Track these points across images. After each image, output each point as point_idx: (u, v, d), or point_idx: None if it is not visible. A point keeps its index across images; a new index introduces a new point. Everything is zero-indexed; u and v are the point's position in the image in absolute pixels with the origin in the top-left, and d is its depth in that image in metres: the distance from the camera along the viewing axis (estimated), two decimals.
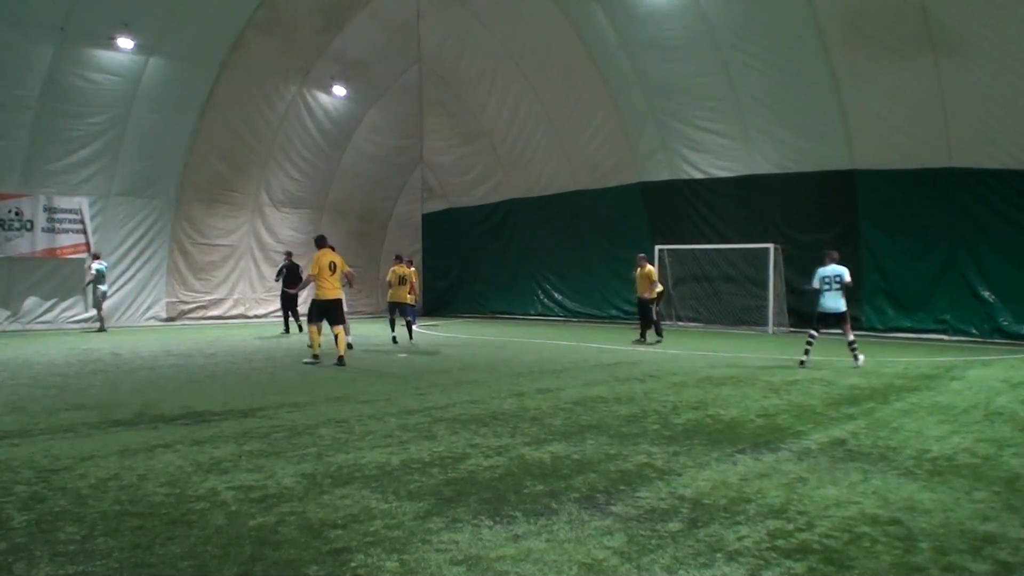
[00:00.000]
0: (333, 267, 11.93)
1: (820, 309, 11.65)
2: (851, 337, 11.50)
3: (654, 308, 16.05)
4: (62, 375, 10.38)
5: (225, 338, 16.98)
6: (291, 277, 18.58)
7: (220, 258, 22.90)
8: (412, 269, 21.56)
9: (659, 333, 15.98)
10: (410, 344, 15.25)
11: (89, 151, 19.52)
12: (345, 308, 12.75)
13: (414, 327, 16.04)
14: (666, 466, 5.43)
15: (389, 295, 15.69)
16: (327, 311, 12.05)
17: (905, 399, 8.63)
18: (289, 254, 19.50)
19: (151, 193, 20.99)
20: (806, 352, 11.55)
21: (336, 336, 11.89)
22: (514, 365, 11.99)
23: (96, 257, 19.12)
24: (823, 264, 11.65)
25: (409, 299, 18.64)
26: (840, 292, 11.34)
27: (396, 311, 15.70)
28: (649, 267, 16.31)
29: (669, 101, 20.45)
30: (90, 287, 19.08)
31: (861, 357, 11.47)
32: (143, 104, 19.81)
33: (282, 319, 19.18)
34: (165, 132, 20.53)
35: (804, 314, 18.88)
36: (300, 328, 17.44)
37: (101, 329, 18.62)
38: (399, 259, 16.19)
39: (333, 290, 11.92)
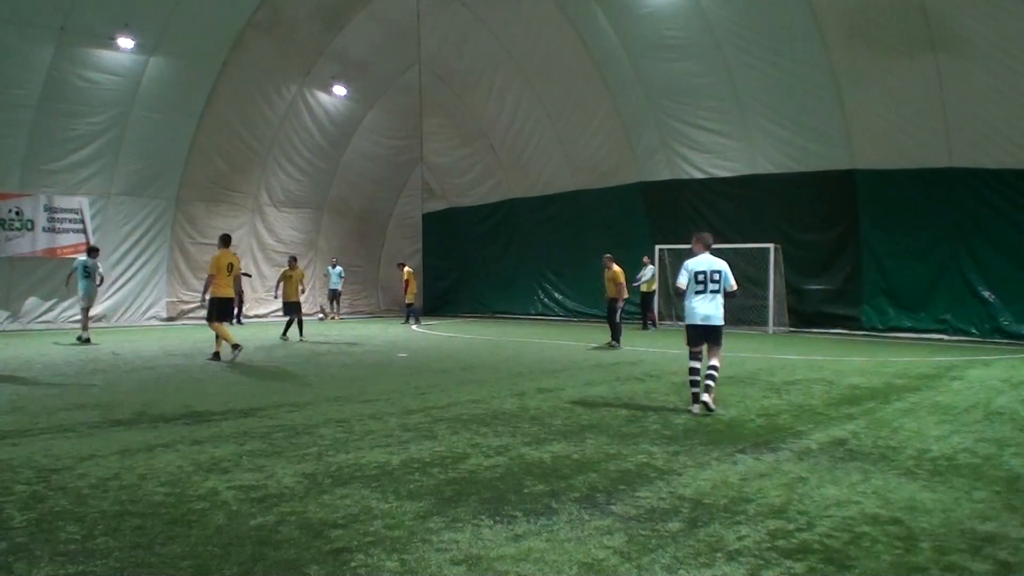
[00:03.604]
0: (231, 267, 12.79)
1: (691, 320, 7.84)
2: (716, 362, 7.71)
3: (620, 311, 15.20)
4: (62, 375, 10.38)
5: None
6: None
7: None
8: (409, 270, 22.15)
9: (617, 338, 15.00)
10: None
11: (89, 151, 19.52)
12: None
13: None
14: (666, 466, 5.43)
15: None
16: (226, 308, 12.98)
17: (905, 399, 8.63)
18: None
19: (151, 193, 20.99)
20: (696, 396, 7.59)
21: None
22: (514, 365, 11.99)
23: None
24: (692, 253, 8.27)
25: (408, 297, 18.46)
26: (720, 296, 7.82)
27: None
28: (616, 268, 15.35)
29: (669, 101, 20.43)
30: None
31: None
32: (143, 104, 19.82)
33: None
34: (165, 132, 20.53)
35: (804, 314, 18.94)
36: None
37: None
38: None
39: (228, 288, 12.83)
